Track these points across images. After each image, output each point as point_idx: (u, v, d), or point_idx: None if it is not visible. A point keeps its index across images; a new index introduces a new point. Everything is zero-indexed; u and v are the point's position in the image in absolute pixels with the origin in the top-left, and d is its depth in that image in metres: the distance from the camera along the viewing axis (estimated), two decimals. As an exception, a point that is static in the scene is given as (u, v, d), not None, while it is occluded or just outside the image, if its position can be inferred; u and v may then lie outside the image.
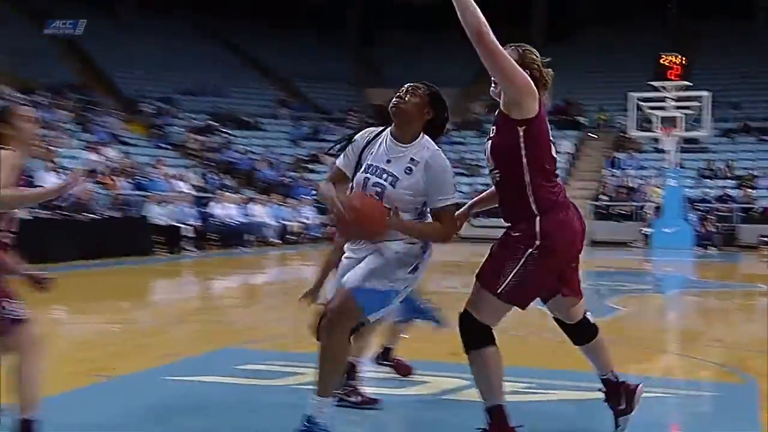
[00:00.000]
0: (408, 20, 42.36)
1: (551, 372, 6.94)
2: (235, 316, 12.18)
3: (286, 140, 37.61)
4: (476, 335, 4.49)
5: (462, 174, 33.94)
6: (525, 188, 4.39)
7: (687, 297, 16.14)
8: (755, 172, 32.15)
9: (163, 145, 32.60)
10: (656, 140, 30.54)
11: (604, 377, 4.94)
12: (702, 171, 32.67)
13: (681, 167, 30.29)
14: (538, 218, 4.38)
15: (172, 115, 35.75)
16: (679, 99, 29.21)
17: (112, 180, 23.09)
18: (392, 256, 4.52)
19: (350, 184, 4.75)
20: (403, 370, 6.89)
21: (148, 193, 23.06)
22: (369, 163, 4.67)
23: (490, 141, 4.55)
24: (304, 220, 27.94)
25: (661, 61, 30.86)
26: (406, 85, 4.64)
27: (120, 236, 19.15)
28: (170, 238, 22.48)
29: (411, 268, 4.55)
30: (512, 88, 4.26)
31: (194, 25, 41.20)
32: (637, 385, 5.00)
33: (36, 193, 5.83)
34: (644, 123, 29.82)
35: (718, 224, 29.35)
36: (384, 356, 6.92)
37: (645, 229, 28.71)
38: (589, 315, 4.85)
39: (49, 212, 18.24)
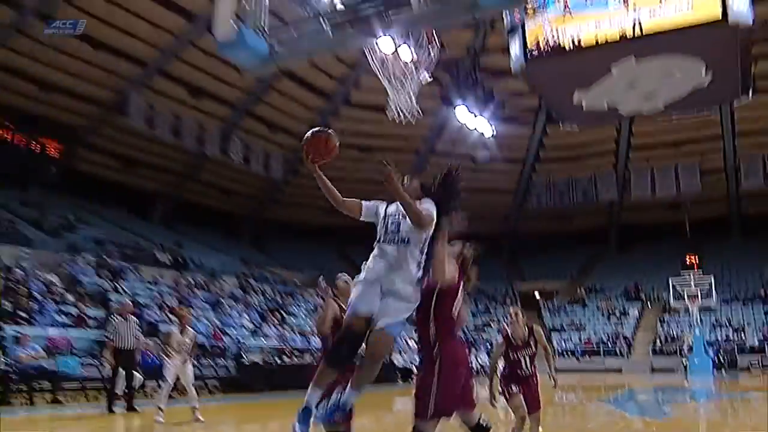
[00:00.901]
0: (542, 242, 44.27)
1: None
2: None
3: (470, 315, 36.99)
4: None
5: (574, 330, 37.09)
6: (429, 322, 4.40)
7: (715, 402, 16.76)
8: (744, 323, 34.02)
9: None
10: (687, 307, 32.08)
11: None
12: (713, 324, 34.54)
13: (701, 322, 31.97)
14: (437, 344, 4.34)
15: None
16: (697, 282, 31.85)
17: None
18: (404, 297, 4.30)
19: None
20: None
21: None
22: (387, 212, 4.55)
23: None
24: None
25: (686, 259, 33.85)
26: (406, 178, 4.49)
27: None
28: (404, 373, 24.15)
29: (413, 303, 4.35)
30: (436, 275, 4.34)
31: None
32: None
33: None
34: (678, 296, 32.15)
35: (725, 355, 31.41)
36: None
37: (684, 360, 28.95)
38: (483, 419, 4.57)
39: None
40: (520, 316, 6.58)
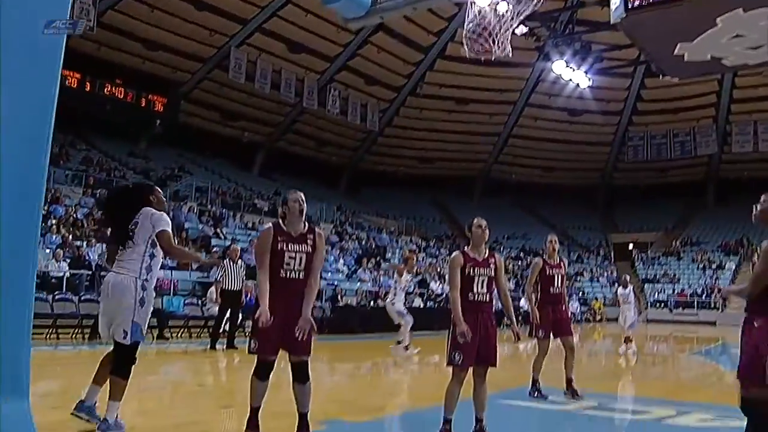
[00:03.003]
0: (637, 194, 43.75)
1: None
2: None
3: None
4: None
5: (667, 281, 36.42)
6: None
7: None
8: None
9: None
10: None
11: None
12: None
13: None
14: None
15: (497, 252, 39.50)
16: None
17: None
18: None
19: None
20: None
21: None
22: None
23: None
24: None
25: None
26: None
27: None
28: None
29: None
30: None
31: (512, 203, 43.63)
32: None
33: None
34: None
35: None
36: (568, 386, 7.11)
37: None
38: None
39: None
40: (556, 242, 7.39)
